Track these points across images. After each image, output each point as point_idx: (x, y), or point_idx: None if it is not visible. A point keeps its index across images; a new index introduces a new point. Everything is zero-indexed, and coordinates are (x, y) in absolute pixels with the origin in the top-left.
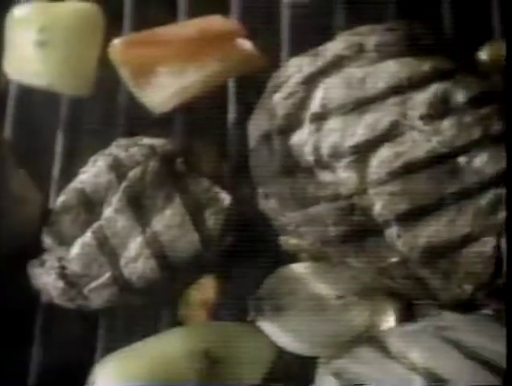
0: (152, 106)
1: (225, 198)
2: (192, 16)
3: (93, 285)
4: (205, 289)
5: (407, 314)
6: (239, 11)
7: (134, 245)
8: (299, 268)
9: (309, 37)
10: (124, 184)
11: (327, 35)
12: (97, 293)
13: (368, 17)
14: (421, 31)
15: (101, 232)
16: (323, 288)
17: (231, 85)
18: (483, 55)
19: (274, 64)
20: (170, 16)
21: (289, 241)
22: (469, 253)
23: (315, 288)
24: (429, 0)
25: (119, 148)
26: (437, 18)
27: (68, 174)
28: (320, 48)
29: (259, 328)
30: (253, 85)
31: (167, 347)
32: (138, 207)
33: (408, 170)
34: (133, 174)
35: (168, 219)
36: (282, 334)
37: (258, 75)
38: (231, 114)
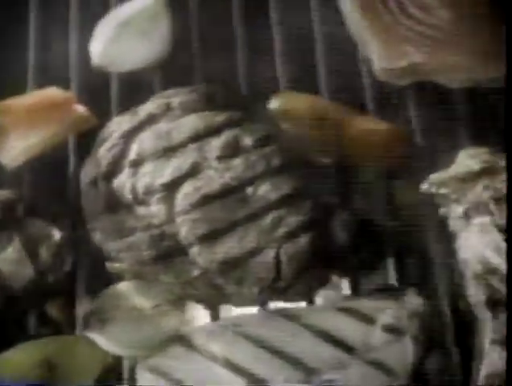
0: (5, 163)
1: (56, 234)
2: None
3: None
4: None
5: (211, 315)
6: (77, 81)
7: None
8: (122, 286)
9: (132, 100)
10: None
11: (146, 98)
12: None
13: (177, 82)
14: (216, 91)
15: None
16: (141, 301)
17: (71, 142)
18: (272, 104)
19: (103, 123)
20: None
21: (113, 265)
22: (255, 263)
23: (135, 301)
24: (224, 63)
25: None
26: (231, 78)
27: None
28: (137, 108)
29: (91, 339)
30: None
31: (15, 357)
32: None
33: (206, 200)
34: None
35: (9, 256)
36: (108, 342)
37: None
38: (71, 165)
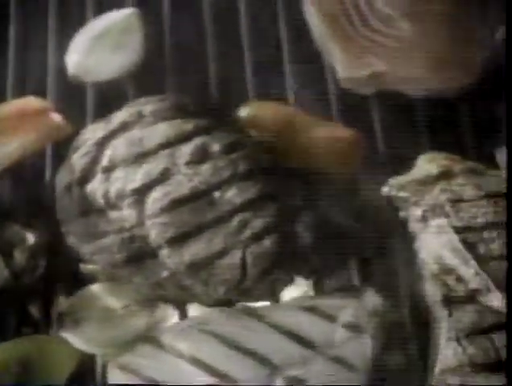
0: None
1: (30, 238)
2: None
3: None
4: None
5: (180, 315)
6: (54, 91)
7: None
8: (95, 287)
9: (106, 108)
10: None
11: (120, 107)
12: None
13: (150, 91)
14: (186, 100)
15: None
16: (113, 301)
17: (48, 149)
18: (241, 112)
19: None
20: None
21: (87, 267)
22: (222, 264)
23: (107, 302)
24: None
25: None
26: (203, 87)
27: None
28: (111, 116)
29: (65, 338)
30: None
31: None
32: None
33: (175, 205)
34: None
35: None
36: (81, 341)
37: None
38: (48, 171)
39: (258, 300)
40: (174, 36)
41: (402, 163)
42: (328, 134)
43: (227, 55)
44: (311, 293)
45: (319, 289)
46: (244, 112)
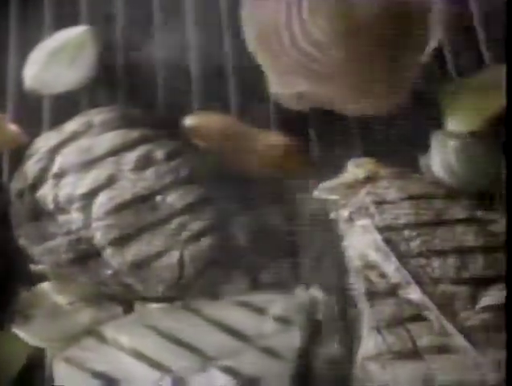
0: None
1: None
2: None
3: None
4: None
5: (122, 311)
6: (13, 103)
7: None
8: (44, 286)
9: (61, 119)
10: None
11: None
12: None
13: (102, 103)
14: (133, 111)
15: None
16: (60, 299)
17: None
18: (186, 122)
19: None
20: None
21: (36, 267)
22: (162, 264)
23: (54, 299)
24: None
25: None
26: (151, 99)
27: None
28: (63, 126)
29: (15, 333)
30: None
31: None
32: None
33: (119, 208)
34: None
35: None
36: (30, 336)
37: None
38: (4, 178)
39: (196, 297)
40: (125, 52)
41: (334, 169)
42: (266, 142)
43: (174, 69)
44: (246, 289)
45: (253, 285)
46: (189, 122)
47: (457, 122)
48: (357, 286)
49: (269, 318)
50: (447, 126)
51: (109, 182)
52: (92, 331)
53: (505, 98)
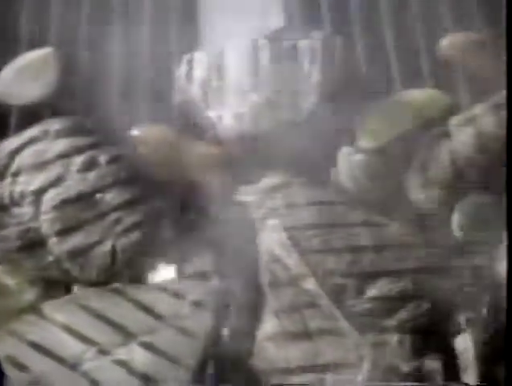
0: None
1: None
2: None
3: None
4: None
5: (62, 292)
6: None
7: None
8: None
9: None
10: None
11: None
12: None
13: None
14: (85, 121)
15: None
16: (8, 279)
17: None
18: (132, 132)
19: None
20: None
21: None
22: (96, 252)
23: (3, 280)
24: (98, 100)
25: None
26: (104, 112)
27: None
28: (23, 132)
29: None
30: None
31: None
32: None
33: (64, 204)
34: None
35: None
36: None
37: None
38: None
39: (126, 282)
40: (83, 70)
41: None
42: (199, 151)
43: (127, 85)
44: (169, 277)
45: (177, 273)
46: (134, 132)
47: (365, 140)
48: (264, 277)
49: (186, 302)
50: (357, 142)
51: (58, 181)
52: (34, 308)
53: (410, 123)
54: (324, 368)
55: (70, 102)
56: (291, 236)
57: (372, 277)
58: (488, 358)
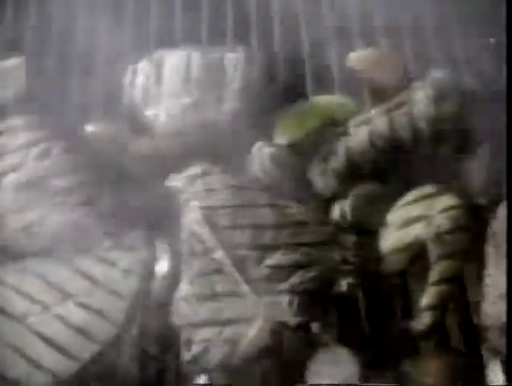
0: None
1: None
2: None
3: None
4: None
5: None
6: None
7: None
8: None
9: None
10: None
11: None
12: None
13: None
14: (45, 119)
15: None
16: None
17: None
18: (87, 129)
19: None
20: None
21: None
22: (44, 227)
23: None
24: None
25: None
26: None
27: None
28: None
29: None
30: None
31: None
32: None
33: (20, 186)
34: None
35: None
36: None
37: None
38: None
39: (68, 251)
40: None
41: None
42: (141, 145)
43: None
44: (106, 248)
45: (112, 246)
46: (88, 128)
47: (279, 136)
48: (184, 248)
49: (118, 269)
50: (272, 139)
51: (17, 167)
52: None
53: (318, 123)
54: (225, 323)
55: (33, 103)
56: (206, 214)
57: (271, 249)
58: None
